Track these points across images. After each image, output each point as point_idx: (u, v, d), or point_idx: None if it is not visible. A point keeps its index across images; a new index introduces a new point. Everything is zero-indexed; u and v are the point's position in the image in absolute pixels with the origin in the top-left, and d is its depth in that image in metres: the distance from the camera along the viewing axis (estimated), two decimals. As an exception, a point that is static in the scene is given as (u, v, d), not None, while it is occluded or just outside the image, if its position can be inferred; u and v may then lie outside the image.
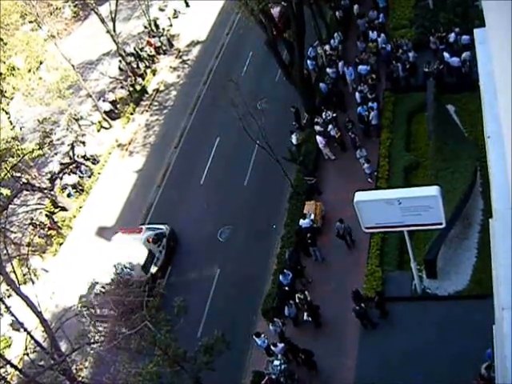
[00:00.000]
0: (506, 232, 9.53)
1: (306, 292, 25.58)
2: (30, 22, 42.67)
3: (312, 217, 28.81)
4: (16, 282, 22.45)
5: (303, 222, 28.40)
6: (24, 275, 26.86)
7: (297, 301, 25.60)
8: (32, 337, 22.11)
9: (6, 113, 38.73)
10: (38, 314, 21.60)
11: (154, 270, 30.89)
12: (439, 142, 26.86)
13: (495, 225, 10.52)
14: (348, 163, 31.39)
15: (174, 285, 30.35)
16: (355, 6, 40.10)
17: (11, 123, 38.52)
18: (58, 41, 41.35)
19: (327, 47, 37.82)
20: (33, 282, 23.70)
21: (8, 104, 39.51)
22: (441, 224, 20.38)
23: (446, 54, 32.40)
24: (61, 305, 30.78)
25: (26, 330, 21.95)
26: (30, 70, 39.47)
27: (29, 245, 28.18)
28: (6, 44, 37.96)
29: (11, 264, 24.53)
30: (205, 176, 36.24)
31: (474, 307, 21.90)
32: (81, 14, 56.40)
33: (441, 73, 32.15)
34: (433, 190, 19.57)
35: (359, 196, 20.96)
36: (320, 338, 25.12)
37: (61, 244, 36.79)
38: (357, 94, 33.14)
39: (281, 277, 26.67)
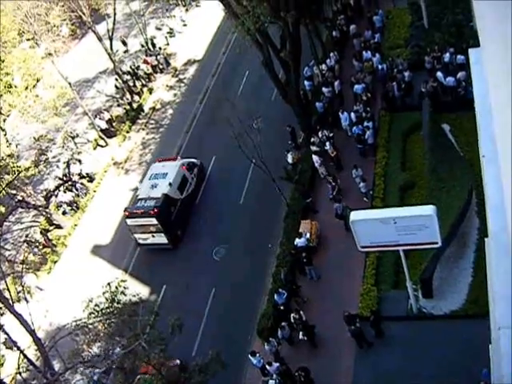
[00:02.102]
0: (502, 251, 9.51)
1: (301, 312, 25.45)
2: (28, 39, 42.90)
3: (308, 236, 28.74)
4: (9, 300, 22.29)
5: (299, 241, 28.34)
6: (18, 293, 26.71)
7: (292, 320, 25.46)
8: (25, 355, 21.93)
9: (2, 130, 38.79)
10: (32, 333, 21.45)
11: (186, 193, 34.69)
12: (434, 161, 26.95)
13: (491, 244, 10.51)
14: (344, 182, 31.39)
15: (171, 302, 30.23)
16: (352, 26, 40.39)
17: (7, 140, 38.56)
18: (55, 59, 41.52)
19: (323, 67, 38.03)
20: (26, 300, 23.54)
21: (4, 121, 39.58)
22: (436, 243, 20.38)
23: (440, 74, 32.61)
24: (54, 323, 30.52)
25: (18, 348, 21.77)
26: (26, 88, 39.59)
27: (23, 262, 28.01)
28: (3, 61, 38.05)
29: (5, 281, 24.36)
30: (200, 194, 36.19)
31: (470, 327, 21.83)
32: (78, 33, 56.64)
33: (436, 92, 32.32)
34: (428, 210, 19.58)
35: (355, 215, 20.97)
36: (315, 358, 24.96)
37: (55, 262, 36.57)
38: (352, 114, 33.29)
39: (276, 296, 26.57)
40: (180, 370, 25.38)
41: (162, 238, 33.05)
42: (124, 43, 54.14)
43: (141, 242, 33.91)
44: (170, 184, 33.73)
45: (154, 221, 32.22)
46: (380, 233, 20.75)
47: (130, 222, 33.13)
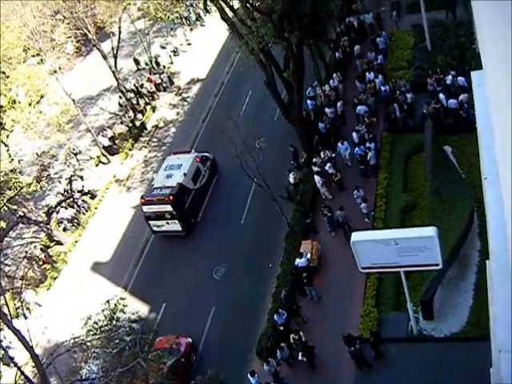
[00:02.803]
0: (503, 273, 9.47)
1: (301, 332, 25.30)
2: (33, 56, 43.19)
3: (308, 256, 28.65)
4: (8, 316, 22.19)
5: (299, 261, 28.25)
6: (16, 309, 26.62)
7: (291, 341, 25.31)
8: (22, 372, 21.77)
9: (5, 145, 38.90)
10: (29, 349, 21.30)
11: (199, 184, 36.39)
12: (436, 182, 26.92)
13: (492, 266, 10.46)
14: (345, 203, 31.33)
15: (171, 321, 30.10)
16: (356, 47, 40.65)
17: (10, 156, 38.64)
18: (60, 75, 41.74)
19: (326, 87, 38.20)
20: (25, 316, 23.43)
21: (7, 136, 39.68)
22: (437, 265, 20.30)
23: (442, 96, 32.73)
24: (53, 340, 30.40)
25: (16, 364, 21.62)
26: (30, 104, 39.75)
27: (23, 278, 27.89)
28: (7, 77, 38.26)
29: (4, 297, 24.28)
30: (202, 213, 36.18)
31: (470, 349, 21.66)
32: (83, 50, 57.10)
33: (438, 114, 32.43)
34: (430, 231, 19.53)
35: (356, 236, 20.92)
36: (315, 379, 24.80)
37: (55, 278, 36.48)
38: (354, 134, 33.37)
39: (275, 316, 26.44)
40: (191, 350, 27.75)
41: (176, 226, 34.52)
42: (137, 62, 54.26)
43: (155, 229, 35.35)
44: (184, 174, 35.41)
45: (168, 207, 33.82)
46: (381, 254, 20.68)
47: (145, 208, 34.74)
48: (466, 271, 25.47)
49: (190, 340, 28.29)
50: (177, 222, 34.35)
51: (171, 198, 33.84)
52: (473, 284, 24.93)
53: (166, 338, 27.73)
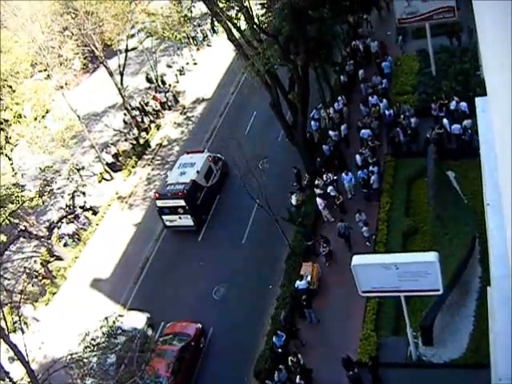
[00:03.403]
0: (504, 300, 9.41)
1: (299, 355, 25.15)
2: (40, 71, 43.47)
3: (309, 278, 28.58)
4: (5, 330, 22.07)
5: (299, 284, 28.16)
6: (14, 323, 26.48)
7: (289, 363, 25.14)
8: (18, 387, 21.63)
9: (9, 159, 39.00)
10: (25, 364, 21.16)
11: (211, 182, 37.67)
12: (438, 208, 26.90)
13: (493, 293, 10.41)
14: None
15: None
16: (360, 72, 40.87)
17: (13, 169, 38.73)
18: (66, 91, 41.97)
19: (331, 110, 38.36)
20: (22, 331, 23.28)
21: (12, 150, 39.81)
22: (438, 290, 20.22)
23: (446, 121, 32.84)
24: (49, 356, 30.18)
25: (11, 380, 21.47)
26: (35, 119, 39.92)
27: (21, 292, 27.80)
28: (14, 91, 38.47)
29: (2, 311, 24.17)
30: (203, 233, 36.14)
31: (470, 376, 21.51)
32: (90, 66, 57.43)
33: (441, 139, 32.51)
34: (431, 256, 19.48)
35: (356, 259, 20.87)
36: (312, 403, 24.60)
37: (54, 293, 36.35)
38: (357, 157, 33.42)
39: (274, 338, 26.30)
40: (200, 335, 29.17)
41: (188, 220, 35.85)
42: (149, 80, 54.47)
43: (168, 224, 36.63)
44: (197, 172, 36.75)
45: (182, 202, 35.12)
46: (381, 278, 20.63)
47: (159, 203, 36.12)
48: (467, 297, 25.36)
49: (199, 326, 29.55)
50: (189, 216, 35.63)
51: (185, 192, 35.13)
52: (473, 310, 24.81)
53: (176, 324, 29.84)
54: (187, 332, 29.14)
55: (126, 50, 48.13)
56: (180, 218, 35.86)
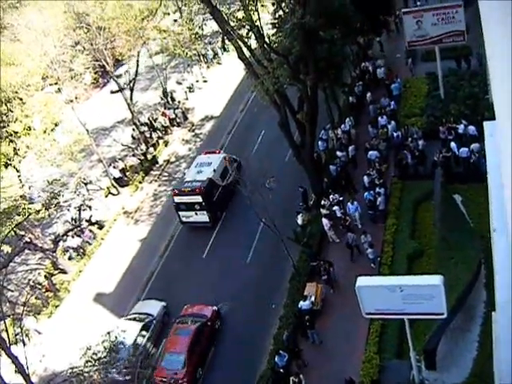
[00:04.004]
0: (509, 326, 9.35)
1: (301, 375, 24.99)
2: (51, 84, 43.77)
3: (312, 299, 28.47)
4: (6, 342, 22.04)
5: (303, 304, 28.04)
6: (16, 335, 26.37)
7: (291, 384, 25.00)
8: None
9: (17, 171, 39.16)
10: (26, 377, 21.12)
11: (226, 182, 38.85)
12: (444, 231, 26.81)
13: (498, 318, 10.35)
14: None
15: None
16: (368, 94, 40.96)
17: (21, 181, 38.87)
18: (76, 105, 42.23)
19: (339, 131, 38.43)
20: (24, 343, 23.24)
21: (20, 162, 39.97)
22: (442, 314, 20.07)
23: (454, 144, 32.83)
24: (50, 369, 30.07)
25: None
26: (45, 131, 40.13)
27: (24, 304, 27.78)
28: (24, 103, 38.73)
29: (4, 322, 24.16)
30: (208, 250, 36.07)
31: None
32: (100, 81, 57.78)
33: (449, 162, 32.49)
34: (436, 280, 19.35)
35: (361, 281, 20.76)
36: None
37: (57, 306, 36.32)
38: (365, 178, 33.41)
39: (276, 358, 26.15)
40: (216, 317, 30.86)
41: (203, 217, 37.22)
42: (166, 95, 54.60)
43: (184, 219, 38.08)
44: (214, 170, 38.37)
45: (198, 198, 36.45)
46: (386, 300, 20.50)
47: (176, 199, 37.48)
48: (471, 322, 25.15)
49: (215, 308, 31.14)
50: (205, 213, 36.94)
51: (202, 189, 36.51)
52: (477, 335, 24.56)
53: (193, 306, 31.51)
54: (203, 313, 30.65)
55: (137, 66, 48.46)
56: (196, 213, 37.21)
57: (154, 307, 32.67)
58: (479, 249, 25.91)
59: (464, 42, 36.90)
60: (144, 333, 30.80)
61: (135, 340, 29.76)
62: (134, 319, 31.56)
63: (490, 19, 9.28)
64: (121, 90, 46.22)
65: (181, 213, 37.75)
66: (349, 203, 32.56)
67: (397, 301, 20.17)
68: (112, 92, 54.83)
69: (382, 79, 42.73)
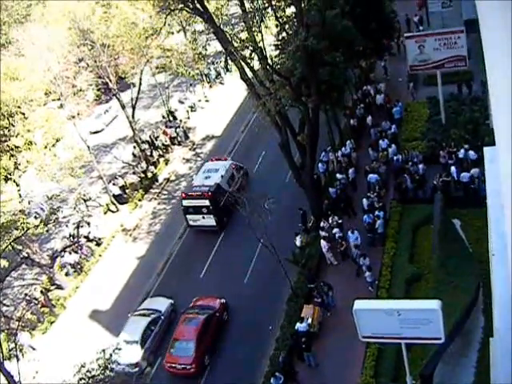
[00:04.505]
0: (507, 352, 9.29)
1: (297, 398, 24.82)
2: (53, 100, 43.94)
3: (309, 321, 28.30)
4: (0, 357, 21.89)
5: (300, 326, 27.86)
6: (10, 350, 26.21)
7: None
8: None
9: (17, 185, 39.15)
10: (19, 393, 20.95)
11: (233, 188, 39.49)
12: (443, 255, 26.76)
13: (496, 344, 10.28)
14: (350, 270, 31.22)
15: (165, 377, 29.50)
16: (368, 118, 41.05)
17: (20, 196, 38.85)
18: (78, 121, 42.35)
19: (339, 153, 38.49)
20: (17, 359, 23.09)
21: (20, 177, 39.98)
22: (440, 339, 19.95)
23: (454, 169, 32.89)
24: (43, 385, 29.87)
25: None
26: (46, 147, 40.19)
27: (19, 320, 27.65)
28: (26, 118, 38.85)
29: (-2, 337, 24.05)
30: (206, 269, 35.94)
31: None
32: (102, 98, 57.99)
33: (448, 187, 32.52)
34: (433, 304, 19.28)
35: (358, 304, 20.68)
36: None
37: (52, 322, 36.09)
38: (364, 201, 33.40)
39: (272, 380, 25.93)
40: (224, 308, 32.10)
41: (210, 220, 38.25)
42: (171, 113, 54.77)
43: (191, 223, 39.11)
44: (221, 176, 39.81)
45: (206, 202, 37.59)
46: (383, 324, 20.40)
47: (185, 202, 38.57)
48: (469, 348, 25.01)
49: (223, 300, 32.41)
50: (212, 216, 38.00)
51: (210, 193, 37.69)
52: (475, 361, 24.43)
53: (202, 298, 32.83)
54: (212, 305, 31.98)
55: (140, 84, 48.68)
56: (203, 217, 38.23)
57: (161, 304, 33.75)
58: (478, 274, 25.85)
59: (465, 67, 37.16)
60: (152, 327, 32.01)
61: (143, 334, 31.25)
62: (143, 315, 32.89)
63: (492, 47, 9.33)
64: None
65: (188, 216, 38.75)
66: (349, 232, 32.19)
67: (394, 325, 20.07)
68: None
69: (380, 106, 42.81)
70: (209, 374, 29.47)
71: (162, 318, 32.71)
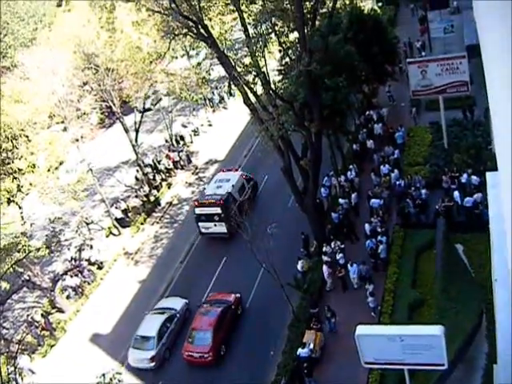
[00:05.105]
0: (510, 378, 9.20)
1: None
2: (57, 123, 44.19)
3: (311, 346, 28.07)
4: (-1, 380, 21.75)
5: (302, 351, 27.63)
6: (9, 374, 26.05)
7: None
8: None
9: (19, 207, 39.19)
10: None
11: (243, 198, 41.17)
12: (446, 280, 26.66)
13: (499, 371, 10.18)
14: (352, 295, 31.07)
15: None
16: (369, 142, 41.12)
17: (22, 218, 38.87)
18: (81, 144, 42.52)
19: (342, 178, 38.52)
20: (17, 382, 22.94)
21: (22, 199, 40.04)
22: (443, 365, 19.81)
23: (457, 194, 32.87)
24: (41, 410, 29.65)
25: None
26: (49, 170, 40.32)
27: (19, 343, 27.52)
28: (30, 141, 39.02)
29: (-2, 360, 23.91)
30: (207, 294, 35.74)
31: None
32: (106, 122, 58.29)
33: (451, 212, 32.47)
34: (436, 330, 19.18)
35: (361, 330, 20.58)
36: None
37: (52, 346, 35.82)
38: (366, 226, 33.35)
39: (274, 406, 25.73)
40: (238, 302, 33.66)
41: (222, 228, 39.57)
42: (182, 138, 55.04)
43: (203, 230, 40.48)
44: (232, 186, 41.16)
45: (218, 210, 39.08)
46: (385, 350, 20.28)
47: (197, 210, 40.07)
48: (472, 374, 24.76)
49: (238, 295, 33.99)
50: (223, 224, 39.19)
51: (222, 201, 39.17)
52: (478, 389, 24.22)
53: (218, 293, 34.59)
54: (227, 299, 33.50)
55: (143, 108, 48.94)
56: (215, 225, 39.64)
57: (177, 303, 35.08)
58: (481, 299, 25.71)
59: (467, 93, 37.34)
60: (168, 324, 33.23)
61: (159, 330, 32.50)
62: (159, 313, 34.17)
63: (493, 75, 9.38)
64: (126, 130, 46.56)
65: (201, 224, 40.06)
66: (348, 264, 31.82)
67: (397, 350, 19.97)
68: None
69: (379, 136, 42.58)
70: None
71: (178, 315, 33.97)
